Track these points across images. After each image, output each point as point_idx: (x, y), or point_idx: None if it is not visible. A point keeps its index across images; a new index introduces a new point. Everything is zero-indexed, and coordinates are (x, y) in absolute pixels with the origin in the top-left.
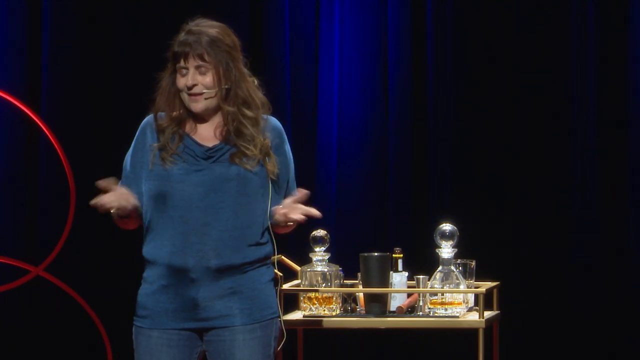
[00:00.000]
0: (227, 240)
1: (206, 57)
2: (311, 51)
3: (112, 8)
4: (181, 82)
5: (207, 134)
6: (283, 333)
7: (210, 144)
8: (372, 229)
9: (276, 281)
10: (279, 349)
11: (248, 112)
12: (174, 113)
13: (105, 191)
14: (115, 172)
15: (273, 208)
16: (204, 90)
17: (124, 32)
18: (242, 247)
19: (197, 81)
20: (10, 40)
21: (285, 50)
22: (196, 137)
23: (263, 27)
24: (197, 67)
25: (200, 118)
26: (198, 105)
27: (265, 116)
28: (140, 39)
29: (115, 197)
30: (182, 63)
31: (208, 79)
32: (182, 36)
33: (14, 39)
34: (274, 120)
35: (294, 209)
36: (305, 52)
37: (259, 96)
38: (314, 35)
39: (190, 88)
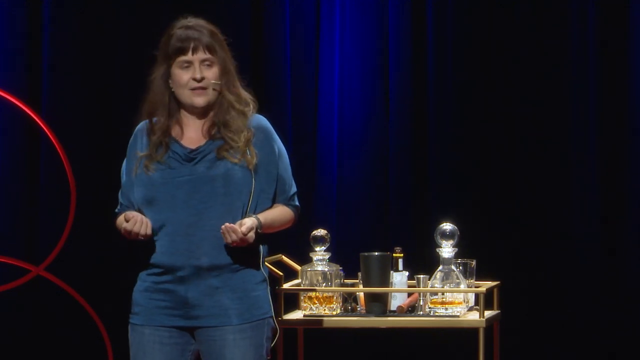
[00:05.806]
0: (212, 240)
1: (213, 50)
2: (311, 51)
3: (112, 8)
4: (184, 76)
5: (193, 135)
6: (276, 329)
7: (194, 146)
8: (373, 228)
9: (272, 281)
10: (272, 345)
11: (238, 106)
12: (163, 118)
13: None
14: (115, 172)
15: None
16: (213, 81)
17: (124, 32)
18: (228, 247)
19: (204, 74)
20: (11, 41)
21: (285, 50)
22: (182, 141)
23: (263, 27)
24: (203, 61)
25: (189, 119)
26: (202, 99)
27: (252, 114)
28: (140, 38)
29: (142, 224)
30: (187, 56)
31: (213, 72)
32: (180, 32)
33: (14, 39)
34: (259, 117)
35: (228, 230)
36: (305, 52)
37: (245, 94)
38: (314, 35)
39: (199, 81)
